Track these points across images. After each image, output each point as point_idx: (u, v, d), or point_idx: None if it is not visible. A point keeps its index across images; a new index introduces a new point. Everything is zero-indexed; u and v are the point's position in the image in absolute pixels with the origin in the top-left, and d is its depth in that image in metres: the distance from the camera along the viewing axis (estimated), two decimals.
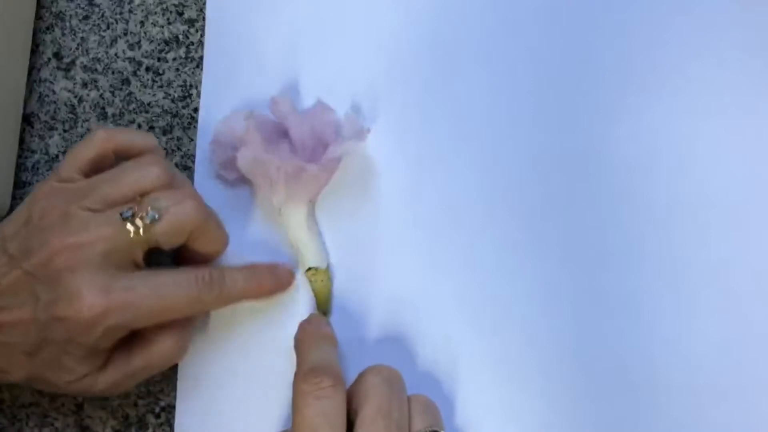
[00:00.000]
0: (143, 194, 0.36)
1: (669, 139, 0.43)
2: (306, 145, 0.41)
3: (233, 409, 0.41)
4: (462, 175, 0.43)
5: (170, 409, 0.42)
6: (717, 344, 0.40)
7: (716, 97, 0.43)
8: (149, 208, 0.36)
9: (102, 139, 0.38)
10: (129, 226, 0.36)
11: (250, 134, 0.40)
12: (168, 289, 0.36)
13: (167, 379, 0.42)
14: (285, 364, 0.40)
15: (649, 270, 0.41)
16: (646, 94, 0.43)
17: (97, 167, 0.38)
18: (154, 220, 0.36)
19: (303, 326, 0.39)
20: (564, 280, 0.41)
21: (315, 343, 0.37)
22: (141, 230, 0.36)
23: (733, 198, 0.42)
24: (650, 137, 0.43)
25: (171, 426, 0.41)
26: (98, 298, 0.35)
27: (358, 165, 0.43)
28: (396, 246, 0.42)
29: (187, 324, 0.39)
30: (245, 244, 0.42)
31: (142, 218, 0.36)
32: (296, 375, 0.36)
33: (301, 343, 0.38)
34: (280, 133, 0.42)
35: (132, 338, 0.37)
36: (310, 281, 0.41)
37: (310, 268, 0.41)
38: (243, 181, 0.42)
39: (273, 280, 0.40)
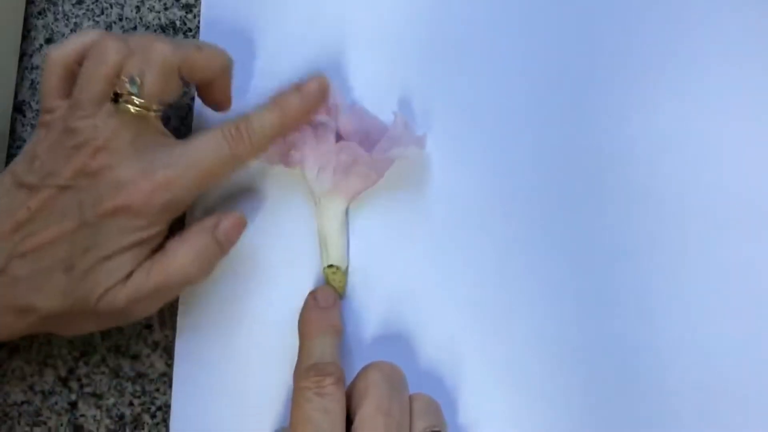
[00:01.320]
0: (117, 75, 0.37)
1: (680, 136, 0.42)
2: (352, 140, 0.40)
3: (229, 408, 0.40)
4: (467, 173, 0.42)
5: (166, 408, 0.40)
6: (727, 345, 0.39)
7: (729, 94, 0.42)
8: (126, 81, 0.37)
9: (54, 60, 0.38)
10: (125, 107, 0.36)
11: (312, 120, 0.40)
12: (201, 154, 0.37)
13: (163, 378, 0.41)
14: (283, 363, 0.39)
15: (658, 269, 0.40)
16: (657, 91, 0.42)
17: (69, 84, 0.38)
18: (139, 85, 0.36)
19: (309, 311, 0.38)
20: (571, 279, 0.40)
21: (319, 333, 0.37)
22: (136, 101, 0.36)
23: (745, 196, 0.41)
24: (661, 135, 0.42)
25: (167, 425, 0.40)
26: (142, 180, 0.36)
27: None
28: (402, 243, 0.41)
29: (208, 242, 0.38)
30: (270, 229, 0.41)
31: (128, 93, 0.36)
32: (297, 369, 0.35)
33: (304, 330, 0.37)
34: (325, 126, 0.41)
35: (154, 254, 0.37)
36: (327, 277, 0.40)
37: (331, 266, 0.40)
38: (283, 163, 0.41)
39: (300, 101, 0.39)
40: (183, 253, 0.37)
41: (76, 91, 0.37)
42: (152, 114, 0.37)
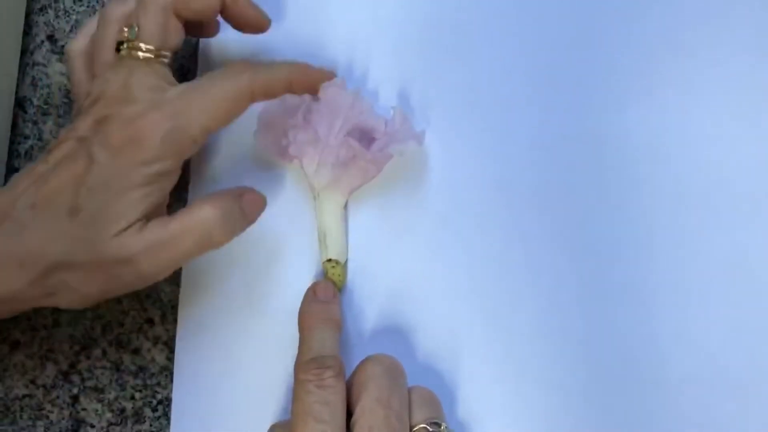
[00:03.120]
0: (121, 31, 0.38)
1: (680, 128, 0.42)
2: (352, 135, 0.40)
3: (230, 401, 0.40)
4: (466, 166, 0.42)
5: (167, 402, 0.41)
6: (728, 338, 0.39)
7: (728, 86, 0.42)
8: (125, 30, 0.38)
9: (72, 53, 0.40)
10: (130, 53, 0.37)
11: (309, 115, 0.40)
12: (215, 87, 0.37)
13: (164, 372, 0.41)
14: (283, 356, 0.39)
15: (658, 261, 0.40)
16: (656, 82, 0.42)
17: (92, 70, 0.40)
18: (136, 30, 0.37)
19: (308, 305, 0.38)
20: (570, 272, 0.40)
21: (318, 327, 0.37)
22: (142, 46, 0.37)
23: (745, 187, 0.41)
24: (661, 126, 0.42)
25: (168, 419, 0.40)
26: (149, 111, 0.36)
27: None
28: (401, 236, 0.41)
29: (234, 207, 0.37)
30: (270, 223, 0.41)
31: (128, 39, 0.37)
32: (297, 363, 0.35)
33: (304, 323, 0.37)
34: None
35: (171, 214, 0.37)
36: (326, 271, 0.40)
37: (330, 260, 0.40)
38: (282, 157, 0.41)
39: (310, 68, 0.40)
40: (207, 209, 0.36)
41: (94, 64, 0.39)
42: (160, 60, 0.38)
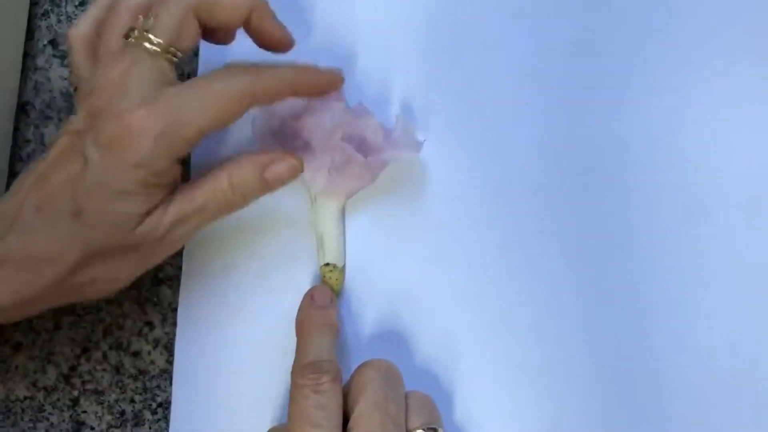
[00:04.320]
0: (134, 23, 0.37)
1: (680, 134, 0.42)
2: (351, 142, 0.40)
3: (228, 404, 0.40)
4: (465, 169, 0.42)
5: (167, 405, 0.41)
6: (727, 342, 0.39)
7: (728, 91, 0.42)
8: (140, 17, 0.36)
9: (73, 38, 0.38)
10: (138, 42, 0.35)
11: (305, 120, 0.40)
12: (216, 84, 0.35)
13: (163, 375, 0.41)
14: (281, 360, 0.39)
15: (657, 265, 0.40)
16: (654, 87, 0.43)
17: (94, 57, 0.38)
18: (152, 19, 0.36)
19: (306, 310, 0.38)
20: (568, 276, 0.40)
21: (315, 331, 0.37)
22: (152, 39, 0.35)
23: (745, 193, 0.41)
24: (658, 129, 0.42)
25: (167, 422, 0.41)
26: (141, 108, 0.34)
27: None
28: (398, 241, 0.41)
29: (254, 171, 0.37)
30: (268, 228, 0.42)
31: (142, 28, 0.36)
32: (294, 367, 0.36)
33: (301, 328, 0.38)
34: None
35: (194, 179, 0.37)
36: (324, 275, 0.41)
37: (328, 264, 0.40)
38: None
39: (315, 74, 0.39)
40: (225, 182, 0.36)
41: (99, 50, 0.37)
42: (167, 57, 0.36)
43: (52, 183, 0.35)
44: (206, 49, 0.45)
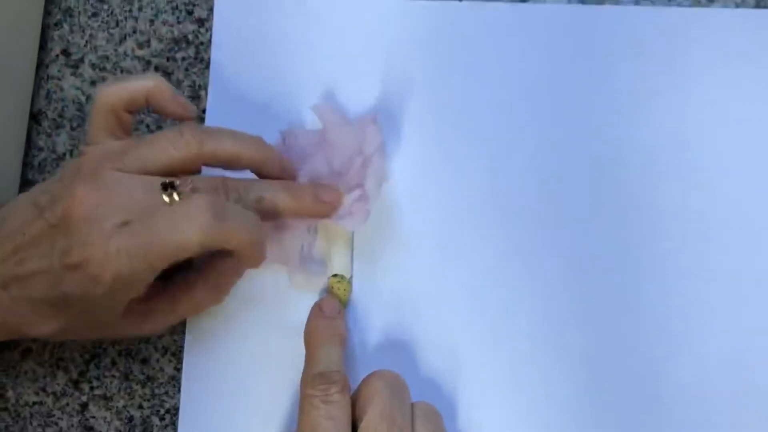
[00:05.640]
0: (176, 166, 0.36)
1: (678, 143, 0.42)
2: (343, 154, 0.41)
3: (236, 412, 0.41)
4: (467, 179, 0.43)
5: (175, 411, 0.42)
6: (725, 349, 0.40)
7: (727, 103, 0.43)
8: (190, 185, 0.35)
9: (101, 102, 0.38)
10: (165, 197, 0.35)
11: (316, 147, 0.41)
12: (180, 224, 0.34)
13: (172, 381, 0.42)
14: (289, 368, 0.39)
15: (657, 274, 0.41)
16: (652, 95, 0.43)
17: (113, 125, 0.38)
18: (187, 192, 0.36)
19: (314, 321, 0.39)
20: (570, 286, 0.41)
21: (324, 342, 0.38)
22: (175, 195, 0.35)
23: (742, 202, 0.42)
24: (659, 141, 0.42)
25: (175, 428, 0.41)
26: (108, 243, 0.33)
27: None
28: (405, 251, 0.42)
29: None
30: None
31: (181, 194, 0.35)
32: (303, 378, 0.36)
33: (310, 339, 0.38)
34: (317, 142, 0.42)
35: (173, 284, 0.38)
36: (332, 287, 0.41)
37: (336, 275, 0.41)
38: None
39: (313, 201, 0.39)
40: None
41: (132, 142, 0.37)
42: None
43: (27, 267, 0.35)
44: (217, 56, 0.46)
